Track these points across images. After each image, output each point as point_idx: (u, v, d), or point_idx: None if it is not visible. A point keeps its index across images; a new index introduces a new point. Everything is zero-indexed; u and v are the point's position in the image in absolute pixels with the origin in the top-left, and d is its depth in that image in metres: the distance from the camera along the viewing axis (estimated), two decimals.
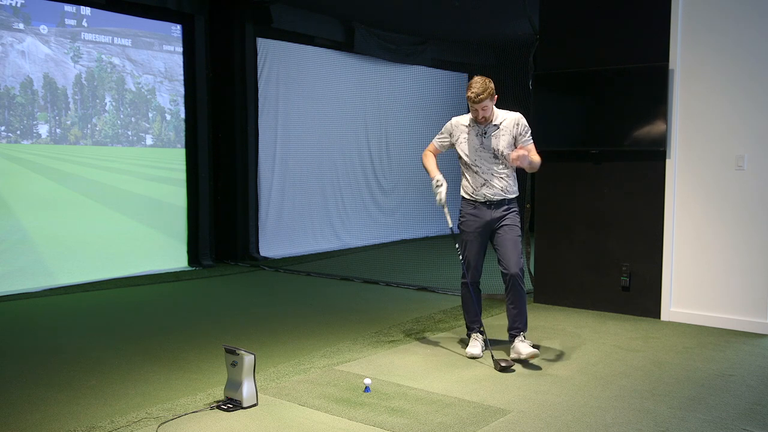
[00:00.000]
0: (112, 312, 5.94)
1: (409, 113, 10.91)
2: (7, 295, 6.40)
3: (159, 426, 3.31)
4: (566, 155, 5.94)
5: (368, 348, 4.71)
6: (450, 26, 9.82)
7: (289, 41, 9.00)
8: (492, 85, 4.21)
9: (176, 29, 8.20)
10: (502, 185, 4.35)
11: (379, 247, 9.98)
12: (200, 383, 3.97)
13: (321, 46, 9.48)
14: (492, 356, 4.32)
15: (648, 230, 5.58)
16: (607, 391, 3.81)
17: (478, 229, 4.42)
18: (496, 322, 5.42)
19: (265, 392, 3.76)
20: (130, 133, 7.93)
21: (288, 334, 5.11)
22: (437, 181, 4.42)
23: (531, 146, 4.38)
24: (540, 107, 5.98)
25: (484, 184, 4.37)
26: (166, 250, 8.09)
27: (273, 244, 8.95)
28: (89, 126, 7.52)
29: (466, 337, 4.68)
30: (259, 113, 8.69)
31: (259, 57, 8.62)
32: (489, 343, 4.53)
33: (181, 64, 8.22)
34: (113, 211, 7.71)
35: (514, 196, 4.41)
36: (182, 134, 8.29)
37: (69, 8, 7.23)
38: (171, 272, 7.77)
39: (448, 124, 4.50)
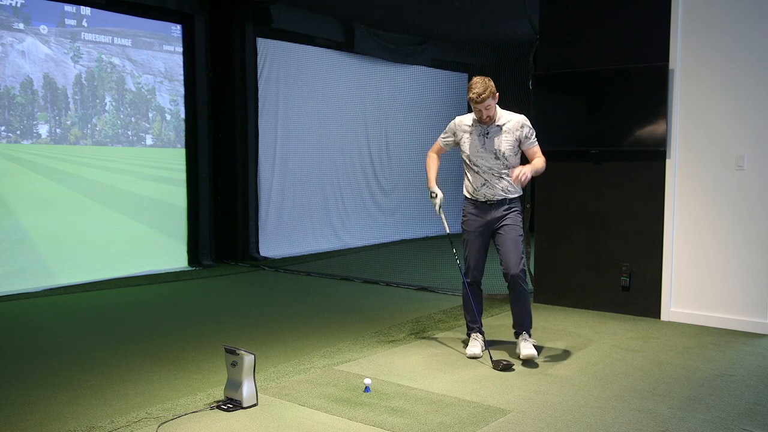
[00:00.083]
0: (112, 312, 5.94)
1: (409, 113, 10.91)
2: (7, 295, 6.40)
3: (159, 426, 3.31)
4: (566, 155, 5.94)
5: (368, 348, 4.71)
6: (450, 26, 9.82)
7: (289, 41, 9.00)
8: (492, 83, 4.21)
9: (176, 29, 8.20)
10: (503, 185, 4.35)
11: (379, 247, 9.98)
12: (200, 383, 3.97)
13: (321, 46, 9.48)
14: (490, 356, 4.32)
15: (648, 230, 5.58)
16: (607, 391, 3.81)
17: (479, 228, 4.42)
18: (497, 322, 5.42)
19: (265, 392, 3.76)
20: (130, 133, 7.93)
21: (288, 334, 5.11)
22: (432, 193, 4.51)
23: (536, 148, 4.38)
24: (540, 107, 5.98)
25: (484, 184, 4.37)
26: (166, 250, 8.09)
27: (273, 244, 8.95)
28: (89, 126, 7.52)
29: (466, 336, 4.68)
30: (259, 113, 8.69)
31: (259, 57, 8.62)
32: (488, 344, 4.53)
33: (181, 64, 8.22)
34: (113, 211, 7.71)
35: (515, 195, 4.41)
36: (182, 134, 8.29)
37: (69, 8, 7.23)
38: (171, 272, 7.77)
39: (451, 124, 4.51)
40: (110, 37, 7.65)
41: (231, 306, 6.24)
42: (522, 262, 4.37)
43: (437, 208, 4.49)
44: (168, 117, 8.29)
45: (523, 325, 4.43)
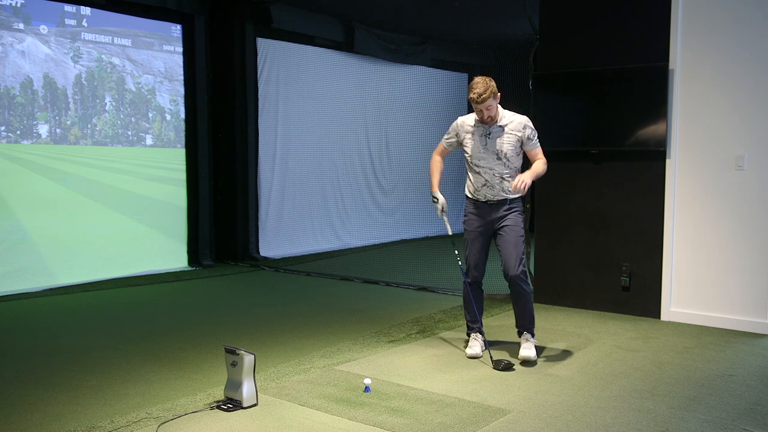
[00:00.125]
0: (112, 312, 5.94)
1: (409, 113, 10.91)
2: (7, 295, 6.40)
3: (159, 426, 3.31)
4: (566, 155, 5.94)
5: (368, 348, 4.71)
6: (450, 26, 9.82)
7: (289, 41, 9.00)
8: (493, 83, 4.19)
9: (176, 29, 8.20)
10: (504, 186, 4.34)
11: (379, 247, 9.98)
12: (200, 383, 3.97)
13: (321, 46, 9.48)
14: (491, 356, 4.32)
15: (648, 230, 5.58)
16: (607, 391, 3.81)
17: (479, 228, 4.42)
18: (497, 322, 5.42)
19: (265, 392, 3.76)
20: (130, 133, 7.93)
21: (288, 334, 5.11)
22: (433, 198, 4.52)
23: (537, 150, 4.36)
24: (540, 107, 5.98)
25: (485, 184, 4.36)
26: (166, 250, 8.09)
27: (273, 244, 8.95)
28: (89, 126, 7.52)
29: (466, 336, 4.68)
30: (259, 113, 8.69)
31: (259, 57, 8.62)
32: (488, 344, 4.53)
33: (181, 64, 8.22)
34: (113, 211, 7.71)
35: (516, 196, 4.39)
36: (182, 134, 8.29)
37: (69, 8, 7.23)
38: (171, 272, 7.77)
39: (454, 124, 4.50)
40: (110, 37, 7.65)
41: (231, 306, 6.24)
42: (522, 263, 4.36)
43: (439, 212, 4.51)
44: (168, 117, 8.29)
45: (524, 326, 4.43)
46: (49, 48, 7.11)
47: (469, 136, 4.39)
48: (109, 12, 7.52)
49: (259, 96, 8.65)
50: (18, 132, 6.91)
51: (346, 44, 9.68)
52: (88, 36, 7.43)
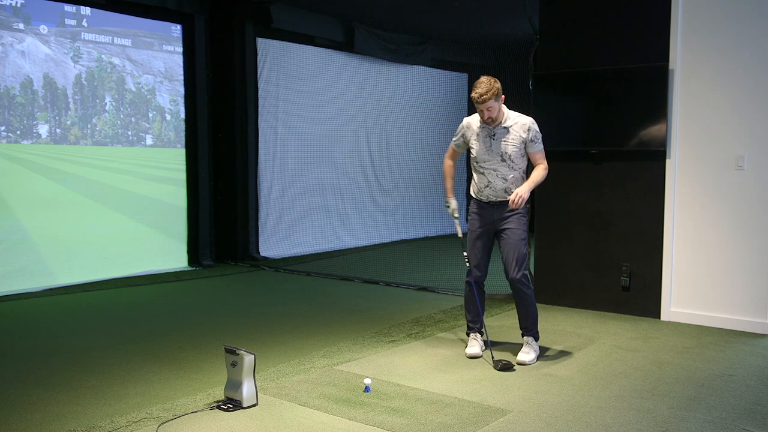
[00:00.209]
0: (112, 312, 5.94)
1: (409, 113, 10.91)
2: (7, 295, 6.40)
3: (159, 426, 3.31)
4: (566, 155, 5.94)
5: (368, 348, 4.71)
6: (450, 26, 9.82)
7: (289, 41, 9.00)
8: (498, 85, 4.16)
9: (176, 29, 8.20)
10: (506, 187, 4.32)
11: (379, 247, 9.98)
12: (200, 383, 3.97)
13: (321, 46, 9.48)
14: (492, 356, 4.32)
15: (648, 230, 5.58)
16: (607, 391, 3.81)
17: (480, 228, 4.41)
18: (497, 323, 5.42)
19: (265, 392, 3.76)
20: (130, 133, 7.93)
21: (288, 334, 5.11)
22: (447, 201, 4.58)
23: (539, 154, 4.32)
24: (540, 107, 5.98)
25: (487, 185, 4.35)
26: (166, 250, 8.09)
27: (273, 244, 8.95)
28: (89, 126, 7.52)
29: (466, 336, 4.68)
30: (259, 113, 8.68)
31: (259, 57, 8.62)
32: (490, 344, 4.53)
33: (181, 64, 8.22)
34: (113, 211, 7.71)
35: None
36: (182, 134, 8.29)
37: (69, 8, 7.23)
38: (171, 272, 7.77)
39: (460, 125, 4.49)
40: (110, 37, 7.65)
41: (231, 306, 6.24)
42: (524, 266, 4.35)
43: (450, 214, 4.56)
44: (168, 117, 8.29)
45: (526, 328, 4.43)
46: (49, 48, 7.11)
47: (474, 136, 4.38)
48: (109, 12, 7.52)
49: (259, 96, 8.65)
50: (18, 132, 6.91)
51: (346, 44, 9.68)
52: (88, 36, 7.43)
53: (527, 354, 4.35)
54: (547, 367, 4.27)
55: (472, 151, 4.40)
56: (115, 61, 7.72)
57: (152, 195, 8.22)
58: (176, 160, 8.28)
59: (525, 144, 4.29)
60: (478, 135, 4.35)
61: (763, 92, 5.04)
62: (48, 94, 7.11)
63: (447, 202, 4.57)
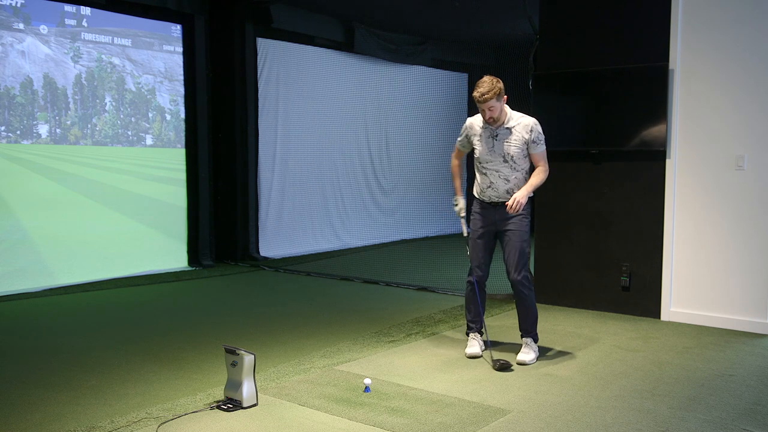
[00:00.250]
0: (112, 312, 5.94)
1: (409, 113, 10.91)
2: (7, 295, 6.40)
3: (159, 426, 3.31)
4: (566, 155, 5.94)
5: (368, 348, 4.71)
6: (450, 26, 9.82)
7: (289, 41, 9.00)
8: (500, 85, 4.14)
9: (176, 29, 8.20)
10: (508, 188, 4.31)
11: (379, 247, 9.98)
12: (200, 383, 3.97)
13: (321, 46, 9.48)
14: (491, 356, 4.32)
15: (648, 230, 5.58)
16: (607, 391, 3.81)
17: (483, 228, 4.40)
18: (497, 323, 5.42)
19: (265, 392, 3.76)
20: (130, 133, 7.93)
21: (288, 334, 5.11)
22: (454, 200, 4.58)
23: (540, 156, 4.29)
24: (540, 107, 5.98)
25: (489, 186, 4.35)
26: (166, 250, 8.09)
27: (273, 244, 8.95)
28: (89, 126, 7.52)
29: (466, 336, 4.68)
30: (259, 113, 8.68)
31: (259, 57, 8.62)
32: (489, 344, 4.53)
33: (181, 64, 8.22)
34: (113, 211, 7.71)
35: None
36: (182, 134, 8.29)
37: (69, 8, 7.23)
38: (171, 272, 7.77)
39: (464, 125, 4.48)
40: (110, 37, 7.65)
41: (231, 306, 6.24)
42: (525, 267, 4.35)
43: (457, 213, 4.56)
44: (168, 117, 8.29)
45: (525, 329, 4.43)
46: (49, 48, 7.11)
47: (477, 137, 4.37)
48: (109, 12, 7.52)
49: (259, 96, 8.65)
50: (18, 132, 6.91)
51: (346, 44, 9.68)
52: (88, 36, 7.44)
53: (527, 354, 4.35)
54: (547, 367, 4.27)
55: (475, 151, 4.39)
56: (115, 61, 7.72)
57: (152, 195, 8.22)
58: (176, 160, 8.28)
59: (527, 145, 4.26)
60: (480, 135, 4.34)
61: (763, 92, 5.04)
62: (48, 94, 7.11)
63: (455, 200, 4.57)
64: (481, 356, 4.45)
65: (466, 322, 4.65)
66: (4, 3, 6.70)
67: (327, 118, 9.69)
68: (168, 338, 5.00)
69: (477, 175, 4.43)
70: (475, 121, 4.39)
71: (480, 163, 4.37)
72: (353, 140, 10.24)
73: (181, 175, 8.26)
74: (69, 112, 7.32)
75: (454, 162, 4.62)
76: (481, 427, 3.29)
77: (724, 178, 5.22)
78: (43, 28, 7.05)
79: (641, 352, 4.59)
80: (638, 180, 5.61)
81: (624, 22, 5.63)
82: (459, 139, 4.53)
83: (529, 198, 4.34)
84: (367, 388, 3.79)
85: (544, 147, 4.33)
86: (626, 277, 5.68)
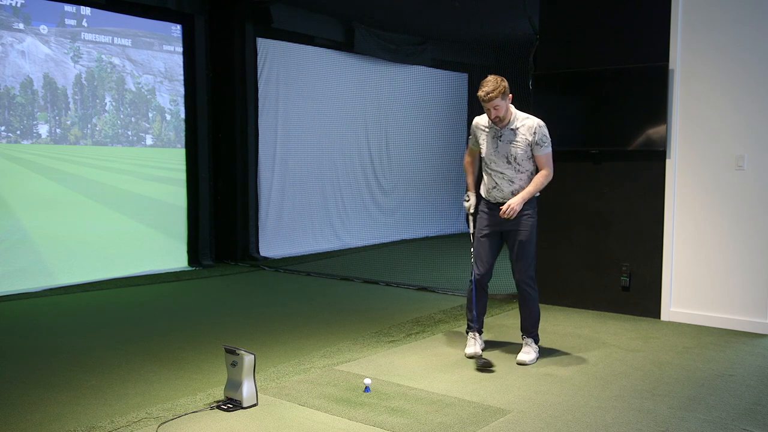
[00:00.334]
0: (112, 312, 5.94)
1: (409, 113, 10.91)
2: (7, 295, 6.40)
3: (159, 426, 3.31)
4: (566, 155, 5.94)
5: (368, 348, 4.71)
6: (450, 26, 9.82)
7: (289, 41, 9.00)
8: (505, 84, 4.12)
9: (176, 29, 8.20)
10: (513, 189, 4.29)
11: (379, 247, 9.98)
12: (200, 383, 3.97)
13: (321, 46, 9.48)
14: (480, 355, 4.31)
15: (648, 230, 5.58)
16: (607, 391, 3.81)
17: (487, 228, 4.39)
18: (497, 322, 5.42)
19: (265, 392, 3.76)
20: (130, 133, 7.93)
21: (288, 334, 5.11)
22: (466, 196, 4.54)
23: (544, 158, 4.25)
24: (540, 107, 5.97)
25: (495, 187, 4.34)
26: (166, 250, 8.09)
27: (273, 244, 8.95)
28: (89, 126, 7.52)
29: (465, 334, 4.68)
30: (259, 113, 8.68)
31: (259, 57, 8.62)
32: (482, 342, 4.53)
33: (181, 64, 8.22)
34: (113, 211, 7.71)
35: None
36: (182, 134, 8.29)
37: (69, 8, 7.23)
38: (171, 272, 7.77)
39: (472, 125, 4.48)
40: (110, 37, 7.65)
41: (231, 306, 6.24)
42: (531, 267, 4.34)
43: (467, 209, 4.52)
44: (168, 117, 8.29)
45: (526, 329, 4.43)
46: (49, 48, 7.11)
47: (483, 136, 4.35)
48: (109, 12, 7.52)
49: (259, 96, 8.65)
50: (18, 132, 6.91)
51: (346, 44, 9.68)
52: (88, 36, 7.43)
53: (527, 354, 4.35)
54: (547, 367, 4.27)
55: (481, 151, 4.39)
56: (115, 61, 7.72)
57: (152, 195, 8.22)
58: (176, 160, 8.28)
59: (531, 147, 4.24)
60: (485, 135, 4.34)
61: (763, 92, 5.04)
62: (48, 94, 7.11)
63: (466, 196, 4.52)
64: (481, 356, 4.44)
65: (466, 321, 4.64)
66: (4, 3, 6.70)
67: (327, 118, 9.69)
68: (168, 338, 5.00)
69: (484, 175, 4.42)
70: (481, 121, 4.38)
71: (485, 163, 4.36)
72: (353, 140, 10.23)
73: (181, 175, 8.26)
74: (69, 112, 7.32)
75: (467, 159, 4.59)
76: (481, 427, 3.29)
77: (724, 178, 5.22)
78: (43, 28, 7.05)
79: (641, 352, 4.59)
80: (638, 180, 5.61)
81: (624, 22, 5.63)
82: (470, 139, 4.52)
83: (534, 197, 4.33)
84: (367, 388, 3.79)
85: (550, 149, 4.29)
86: (626, 277, 5.68)
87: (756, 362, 4.37)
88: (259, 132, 8.69)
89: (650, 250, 5.57)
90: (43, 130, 7.09)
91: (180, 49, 8.22)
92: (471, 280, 4.49)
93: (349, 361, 4.39)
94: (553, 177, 4.36)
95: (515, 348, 4.56)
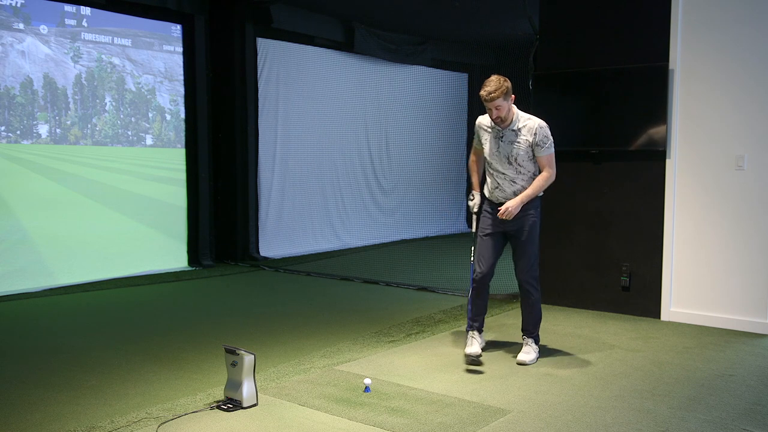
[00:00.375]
0: (112, 312, 5.94)
1: (409, 113, 10.91)
2: (7, 295, 6.40)
3: (159, 426, 3.31)
4: (566, 155, 5.93)
5: (368, 348, 4.71)
6: (450, 26, 9.82)
7: (289, 41, 9.00)
8: (508, 84, 4.10)
9: (176, 29, 8.20)
10: (515, 190, 4.29)
11: (379, 247, 9.98)
12: (200, 383, 3.97)
13: (321, 46, 9.47)
14: (480, 354, 4.31)
15: (648, 230, 5.58)
16: (607, 391, 3.81)
17: (490, 227, 4.38)
18: (497, 322, 5.42)
19: (265, 392, 3.76)
20: (130, 133, 7.93)
21: (288, 334, 5.11)
22: (471, 195, 4.55)
23: (545, 159, 4.23)
24: (540, 107, 5.97)
25: (497, 187, 4.34)
26: (166, 250, 8.09)
27: (273, 244, 8.95)
28: (89, 126, 7.52)
29: (466, 333, 4.67)
30: (259, 113, 8.68)
31: (259, 57, 8.62)
32: (483, 342, 4.52)
33: (181, 64, 8.22)
34: (113, 211, 7.71)
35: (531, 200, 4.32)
36: (182, 134, 8.29)
37: (69, 8, 7.23)
38: (171, 272, 7.77)
39: (475, 124, 4.47)
40: (110, 37, 7.65)
41: (231, 306, 6.24)
42: (533, 267, 4.33)
43: (471, 208, 4.54)
44: (168, 117, 8.29)
45: (527, 329, 4.43)
46: (49, 48, 7.11)
47: (486, 136, 4.35)
48: (109, 12, 7.52)
49: (259, 96, 8.65)
50: (18, 132, 6.91)
51: (346, 44, 9.68)
52: (88, 36, 7.43)
53: (527, 354, 4.35)
54: (547, 367, 4.27)
55: (483, 152, 4.38)
56: (115, 61, 7.72)
57: (152, 195, 8.22)
58: (176, 160, 8.28)
59: (532, 148, 4.22)
60: (488, 135, 4.33)
61: (763, 92, 5.04)
62: (48, 94, 7.11)
63: (471, 195, 4.54)
64: (481, 355, 4.44)
65: (467, 320, 4.64)
66: (4, 3, 6.70)
67: (327, 118, 9.69)
68: (168, 338, 5.00)
69: (487, 175, 4.42)
70: (484, 121, 4.37)
71: (488, 164, 4.36)
72: (353, 140, 10.23)
73: (181, 175, 8.26)
74: (69, 112, 7.32)
75: (472, 158, 4.59)
76: (481, 427, 3.29)
77: (724, 178, 5.22)
78: (43, 28, 7.05)
79: (641, 352, 4.59)
80: (638, 180, 5.61)
81: (624, 22, 5.63)
82: (474, 139, 4.52)
83: (538, 197, 4.32)
84: (367, 388, 3.79)
85: (552, 151, 4.26)
86: (626, 277, 5.68)
87: (756, 362, 4.37)
88: (259, 132, 8.69)
89: (650, 250, 5.57)
90: (43, 130, 7.09)
91: (180, 49, 8.22)
92: (472, 279, 4.49)
93: (349, 361, 4.39)
94: (555, 178, 4.33)
95: (515, 348, 4.56)
